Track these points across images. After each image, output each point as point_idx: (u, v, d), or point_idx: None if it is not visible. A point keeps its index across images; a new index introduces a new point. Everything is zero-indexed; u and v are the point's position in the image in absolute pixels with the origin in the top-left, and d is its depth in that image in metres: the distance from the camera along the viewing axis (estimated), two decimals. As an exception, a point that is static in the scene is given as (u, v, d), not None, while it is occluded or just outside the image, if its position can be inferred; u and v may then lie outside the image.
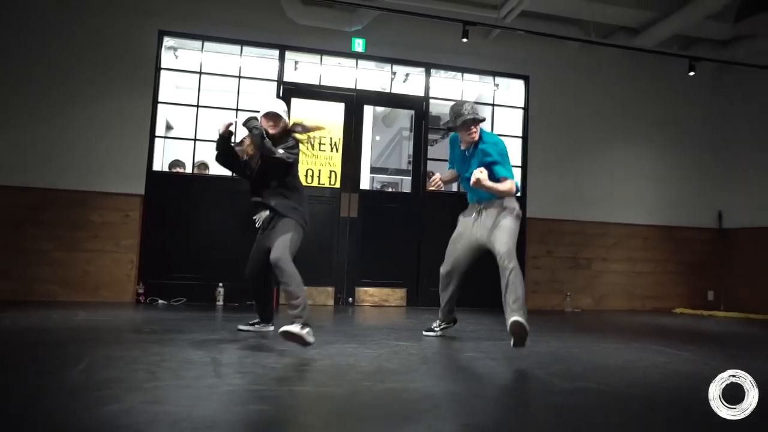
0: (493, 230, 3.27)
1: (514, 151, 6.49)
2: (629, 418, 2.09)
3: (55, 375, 2.36)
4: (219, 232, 5.36)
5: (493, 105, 6.41)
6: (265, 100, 3.52)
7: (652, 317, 5.75)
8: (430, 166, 6.26)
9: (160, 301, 5.21)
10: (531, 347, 3.23)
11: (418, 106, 6.20)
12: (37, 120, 5.12)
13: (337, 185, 5.88)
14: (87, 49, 5.27)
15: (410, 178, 6.56)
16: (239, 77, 5.68)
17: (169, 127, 6.69)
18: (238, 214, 5.13)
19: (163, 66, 5.56)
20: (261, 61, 5.95)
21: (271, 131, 3.30)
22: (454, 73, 6.40)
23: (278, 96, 5.66)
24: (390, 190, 7.70)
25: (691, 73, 6.02)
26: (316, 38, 5.78)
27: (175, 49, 5.92)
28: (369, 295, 5.83)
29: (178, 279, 5.32)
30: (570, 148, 6.46)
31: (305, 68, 6.11)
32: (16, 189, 5.04)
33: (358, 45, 5.95)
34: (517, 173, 6.44)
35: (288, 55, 5.85)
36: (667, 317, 5.86)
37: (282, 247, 3.09)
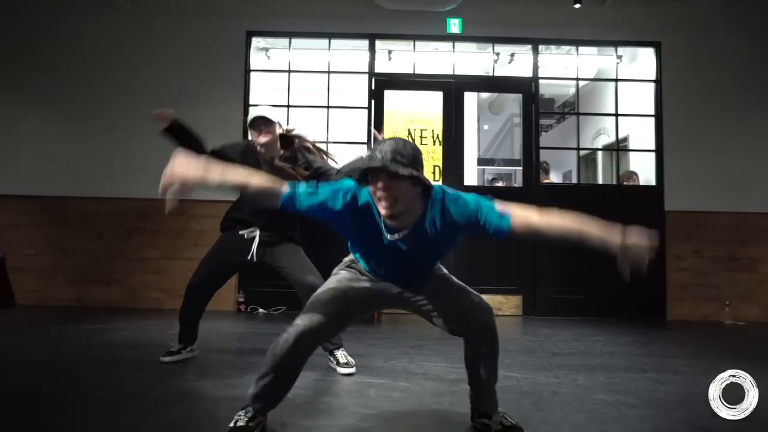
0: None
1: (646, 132, 5.49)
2: None
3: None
4: (323, 241, 5.09)
5: (616, 80, 5.46)
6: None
7: None
8: (543, 155, 5.50)
9: (261, 310, 5.08)
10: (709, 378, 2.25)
11: (526, 88, 5.46)
12: (134, 130, 5.16)
13: (440, 182, 5.36)
14: (174, 54, 5.30)
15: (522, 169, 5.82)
16: (329, 72, 5.38)
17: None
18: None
19: (252, 68, 5.43)
20: (351, 54, 5.63)
21: (264, 140, 2.93)
22: (567, 47, 5.58)
23: (370, 88, 5.30)
24: (501, 184, 7.00)
25: None
26: (407, 23, 5.31)
27: (267, 49, 5.80)
28: (476, 302, 5.22)
29: (277, 287, 5.11)
30: (718, 124, 5.30)
31: (398, 57, 5.68)
32: (127, 200, 5.19)
33: (454, 26, 5.37)
34: (651, 158, 5.45)
35: (378, 44, 5.44)
36: None
37: None
